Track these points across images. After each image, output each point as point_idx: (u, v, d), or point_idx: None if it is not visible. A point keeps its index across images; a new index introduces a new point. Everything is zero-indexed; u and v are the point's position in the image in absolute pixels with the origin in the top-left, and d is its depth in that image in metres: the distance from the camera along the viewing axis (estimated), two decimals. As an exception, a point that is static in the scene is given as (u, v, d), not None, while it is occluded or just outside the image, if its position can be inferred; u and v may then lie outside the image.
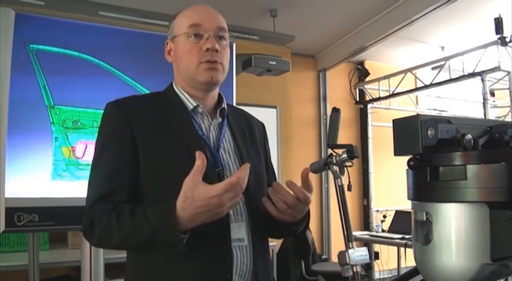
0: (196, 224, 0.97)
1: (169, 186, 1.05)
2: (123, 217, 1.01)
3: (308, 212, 1.20)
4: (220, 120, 1.20)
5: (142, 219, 0.99)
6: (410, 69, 5.54)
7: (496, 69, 4.60)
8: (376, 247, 5.49)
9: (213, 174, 1.09)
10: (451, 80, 5.02)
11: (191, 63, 1.15)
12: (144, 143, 1.09)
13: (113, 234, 1.01)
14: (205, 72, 1.14)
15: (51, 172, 2.28)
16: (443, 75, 5.11)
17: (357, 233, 5.33)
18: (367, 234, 5.32)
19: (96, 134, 1.16)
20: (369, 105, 6.01)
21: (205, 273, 1.05)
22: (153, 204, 1.03)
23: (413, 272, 1.09)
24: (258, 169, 1.21)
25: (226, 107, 1.23)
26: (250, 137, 1.25)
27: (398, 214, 5.07)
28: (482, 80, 4.71)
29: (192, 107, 1.17)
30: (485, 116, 4.68)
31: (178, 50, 1.18)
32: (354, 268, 1.10)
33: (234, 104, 2.70)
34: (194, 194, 0.94)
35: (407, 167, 0.84)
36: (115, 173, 1.08)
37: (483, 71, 4.67)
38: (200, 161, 0.95)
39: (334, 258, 4.89)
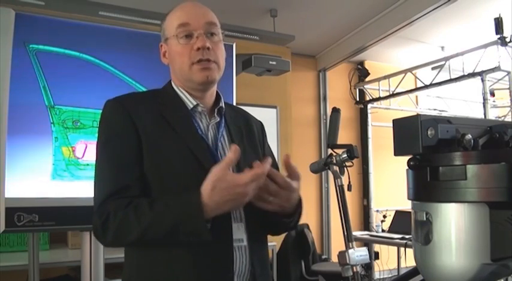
0: (220, 213, 0.99)
1: (171, 185, 1.07)
2: (141, 210, 1.00)
3: (300, 203, 1.17)
4: (218, 119, 1.20)
5: (164, 209, 0.99)
6: (410, 69, 5.54)
7: (496, 69, 4.60)
8: (376, 247, 5.49)
9: None
10: (451, 80, 5.02)
11: (184, 65, 1.14)
12: (146, 140, 1.09)
13: (131, 228, 1.00)
14: (199, 72, 1.13)
15: (51, 172, 2.28)
16: (443, 75, 5.11)
17: (357, 233, 5.32)
18: (367, 234, 5.32)
19: (98, 132, 1.14)
20: (369, 105, 6.01)
21: (208, 273, 1.05)
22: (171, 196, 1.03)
23: (413, 272, 1.09)
24: None
25: (224, 106, 1.23)
26: (248, 136, 1.25)
27: (398, 214, 5.07)
28: (482, 80, 4.71)
29: (191, 106, 1.17)
30: (485, 116, 4.68)
31: (172, 52, 1.17)
32: (354, 268, 1.10)
33: (234, 104, 2.70)
34: (222, 183, 0.96)
35: (407, 167, 0.84)
36: (125, 169, 1.06)
37: (483, 71, 4.67)
38: (233, 154, 0.97)
39: (334, 258, 4.89)
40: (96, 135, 1.14)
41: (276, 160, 1.33)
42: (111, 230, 1.02)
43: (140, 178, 1.07)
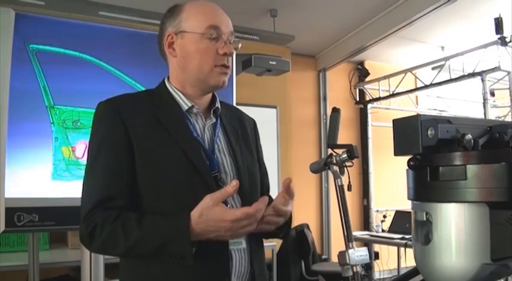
0: (203, 239, 0.99)
1: (166, 188, 1.06)
2: (129, 226, 1.00)
3: (290, 217, 1.20)
4: (214, 120, 1.20)
5: (151, 229, 0.99)
6: (410, 69, 5.54)
7: (496, 69, 4.60)
8: (376, 247, 5.49)
9: (210, 176, 1.09)
10: (451, 80, 5.02)
11: (206, 65, 1.13)
12: (139, 145, 1.07)
13: (118, 243, 1.00)
14: (218, 76, 1.14)
15: (51, 172, 2.27)
16: (443, 75, 5.11)
17: (357, 233, 5.32)
18: (367, 234, 5.32)
19: (90, 134, 1.13)
20: (369, 105, 6.01)
21: (204, 276, 1.05)
22: (157, 212, 1.03)
23: (413, 272, 1.09)
24: (252, 169, 1.21)
25: (219, 106, 1.22)
26: (243, 136, 1.25)
27: (398, 214, 5.07)
28: (482, 80, 4.71)
29: (186, 107, 1.16)
30: (485, 116, 4.68)
31: (190, 48, 1.14)
32: (354, 268, 1.10)
33: (234, 104, 2.70)
34: (209, 213, 0.96)
35: (407, 167, 0.84)
36: (113, 178, 1.06)
37: (483, 71, 4.67)
38: (231, 188, 0.96)
39: (334, 258, 4.89)
40: (89, 135, 1.14)
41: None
42: (97, 242, 1.03)
43: (129, 186, 1.06)
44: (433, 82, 5.22)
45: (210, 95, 1.22)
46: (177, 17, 1.16)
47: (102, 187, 1.06)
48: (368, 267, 5.28)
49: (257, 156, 1.29)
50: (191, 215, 0.97)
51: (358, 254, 1.10)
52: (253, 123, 1.34)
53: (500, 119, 4.93)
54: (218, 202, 0.96)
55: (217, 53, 1.13)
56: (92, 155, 1.11)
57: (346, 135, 5.76)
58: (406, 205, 1.13)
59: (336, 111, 1.34)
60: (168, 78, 1.22)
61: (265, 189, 1.30)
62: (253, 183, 1.19)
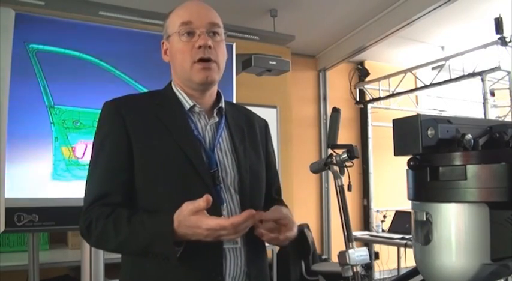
0: (189, 240, 0.99)
1: (163, 186, 1.08)
2: (119, 224, 1.03)
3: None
4: (218, 119, 1.19)
5: (139, 228, 1.01)
6: (410, 69, 5.54)
7: (496, 69, 4.60)
8: (376, 247, 5.49)
9: (208, 174, 1.09)
10: (451, 80, 5.02)
11: (185, 63, 1.14)
12: (138, 144, 1.09)
13: (109, 239, 1.04)
14: (199, 72, 1.13)
15: (51, 172, 2.28)
16: (443, 75, 5.11)
17: (357, 233, 5.33)
18: (367, 234, 5.33)
19: (94, 134, 1.16)
20: (369, 105, 6.01)
21: (196, 275, 1.05)
22: (150, 211, 1.05)
23: (413, 272, 1.09)
24: (255, 168, 1.21)
25: (224, 106, 1.22)
26: (249, 136, 1.24)
27: (398, 214, 5.07)
28: (482, 80, 4.71)
29: (188, 106, 1.17)
30: (485, 116, 4.68)
31: (173, 49, 1.17)
32: (354, 268, 1.10)
33: (234, 104, 2.69)
34: (186, 221, 0.97)
35: (407, 167, 0.84)
36: (109, 175, 1.09)
37: (483, 71, 4.67)
38: (203, 202, 0.95)
39: (334, 258, 4.89)
40: (94, 135, 1.16)
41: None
42: (93, 237, 1.07)
43: (126, 184, 1.08)
44: (433, 82, 5.23)
45: (213, 94, 1.22)
46: (164, 25, 1.21)
47: (100, 184, 1.09)
48: (368, 267, 5.28)
49: (267, 157, 1.28)
50: (174, 218, 0.98)
51: (358, 254, 1.10)
52: (264, 124, 1.34)
53: (500, 119, 4.93)
54: (191, 213, 0.96)
55: (194, 47, 1.13)
56: (94, 154, 1.14)
57: (346, 135, 5.76)
58: (406, 205, 1.13)
59: (336, 111, 1.34)
60: None
61: (274, 191, 1.30)
62: (256, 183, 1.19)
